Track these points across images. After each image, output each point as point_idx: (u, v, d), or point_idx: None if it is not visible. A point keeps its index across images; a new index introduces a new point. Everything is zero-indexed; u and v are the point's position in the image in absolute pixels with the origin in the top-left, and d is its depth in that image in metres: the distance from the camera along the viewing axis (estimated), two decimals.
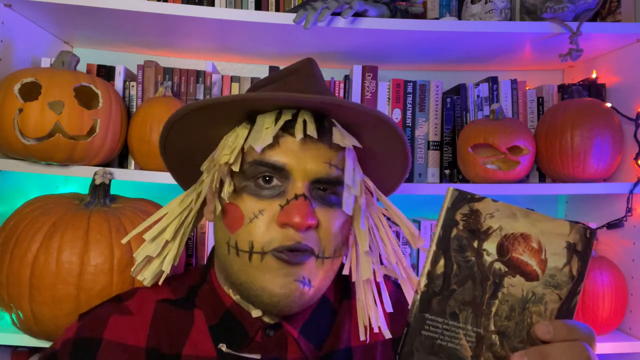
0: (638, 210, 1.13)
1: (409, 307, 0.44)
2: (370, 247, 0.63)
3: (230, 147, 0.60)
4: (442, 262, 0.43)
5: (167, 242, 0.66)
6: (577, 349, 0.42)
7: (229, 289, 0.63)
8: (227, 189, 0.58)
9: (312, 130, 0.57)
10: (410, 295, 0.63)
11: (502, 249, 0.44)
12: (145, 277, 0.66)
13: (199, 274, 0.69)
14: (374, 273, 0.63)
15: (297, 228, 0.55)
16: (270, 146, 0.57)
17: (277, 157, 0.57)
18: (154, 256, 0.66)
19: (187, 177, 0.72)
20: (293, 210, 0.55)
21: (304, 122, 0.58)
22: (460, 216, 0.43)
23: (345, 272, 0.62)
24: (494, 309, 0.43)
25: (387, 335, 0.60)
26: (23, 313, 0.85)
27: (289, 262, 0.55)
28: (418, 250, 1.18)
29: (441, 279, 0.43)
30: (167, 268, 0.66)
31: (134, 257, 0.66)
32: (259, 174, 0.58)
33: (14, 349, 1.07)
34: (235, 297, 0.63)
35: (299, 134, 0.56)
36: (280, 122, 0.58)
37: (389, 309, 0.62)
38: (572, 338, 0.43)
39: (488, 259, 0.44)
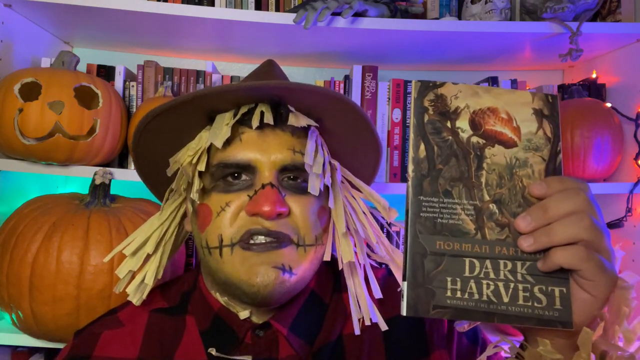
0: (638, 210, 1.13)
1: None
2: (349, 229, 0.63)
3: (193, 148, 0.60)
4: (422, 146, 0.45)
5: (148, 256, 0.65)
6: (574, 194, 0.43)
7: (216, 292, 0.63)
8: (195, 188, 0.58)
9: (269, 118, 0.57)
10: (399, 275, 0.64)
11: (474, 124, 0.46)
12: (130, 293, 0.64)
13: (191, 280, 0.69)
14: (357, 257, 0.63)
15: (266, 216, 0.55)
16: (233, 143, 0.58)
17: (240, 154, 0.58)
18: (136, 270, 0.64)
19: (163, 189, 0.71)
20: (261, 199, 0.55)
21: (262, 112, 0.58)
22: (428, 102, 0.46)
23: (326, 258, 0.62)
24: (483, 180, 0.45)
25: (383, 326, 0.61)
26: (23, 313, 0.86)
27: (258, 251, 0.55)
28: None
29: (426, 162, 0.45)
30: (149, 281, 0.64)
31: (116, 273, 0.64)
32: (226, 174, 0.58)
33: (14, 349, 1.07)
34: (223, 300, 0.62)
35: (255, 122, 0.57)
36: (238, 115, 0.58)
37: (378, 295, 0.62)
38: (566, 187, 0.43)
39: (464, 135, 0.46)
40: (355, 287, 0.63)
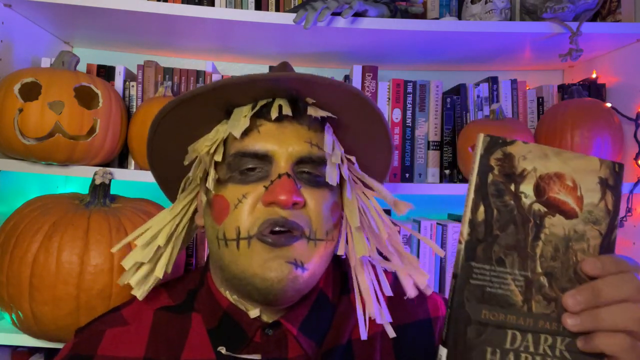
0: (638, 210, 1.13)
1: (455, 258, 0.44)
2: (363, 226, 0.63)
3: (210, 139, 0.61)
4: (481, 208, 0.43)
5: (159, 248, 0.65)
6: (629, 280, 0.42)
7: (226, 290, 0.63)
8: (212, 177, 0.59)
9: (287, 110, 0.58)
10: (402, 270, 0.63)
11: (539, 190, 0.44)
12: (133, 284, 0.63)
13: (198, 277, 0.68)
14: (370, 260, 0.63)
15: (282, 205, 0.55)
16: (251, 134, 0.58)
17: (258, 144, 0.58)
18: (145, 262, 0.64)
19: (175, 188, 0.72)
20: (277, 189, 0.55)
21: (280, 106, 0.59)
22: (494, 161, 0.43)
23: (340, 251, 0.61)
24: (538, 251, 0.43)
25: (389, 327, 0.60)
26: (23, 313, 0.85)
27: (275, 245, 0.55)
28: (418, 248, 1.18)
29: (483, 226, 0.43)
30: (159, 274, 0.64)
31: (122, 264, 0.63)
32: (243, 165, 0.58)
33: (14, 349, 1.07)
34: (232, 298, 0.62)
35: (274, 114, 0.58)
36: (257, 107, 0.59)
37: (388, 292, 0.62)
38: (621, 270, 0.42)
39: (526, 201, 0.44)
40: (361, 285, 0.62)
